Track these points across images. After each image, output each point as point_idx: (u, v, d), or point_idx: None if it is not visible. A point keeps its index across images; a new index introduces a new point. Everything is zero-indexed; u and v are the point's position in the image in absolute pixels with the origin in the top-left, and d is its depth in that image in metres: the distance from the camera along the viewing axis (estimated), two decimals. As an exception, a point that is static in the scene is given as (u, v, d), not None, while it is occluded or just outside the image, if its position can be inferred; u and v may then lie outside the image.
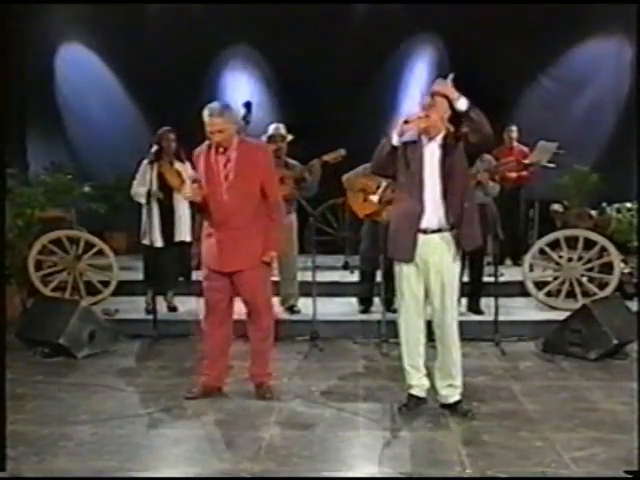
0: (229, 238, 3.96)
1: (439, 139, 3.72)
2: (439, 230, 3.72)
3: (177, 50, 8.23)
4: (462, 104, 3.53)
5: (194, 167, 4.16)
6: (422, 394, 3.95)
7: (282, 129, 5.77)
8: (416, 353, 3.89)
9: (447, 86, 3.59)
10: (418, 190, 3.70)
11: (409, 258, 3.75)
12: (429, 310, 3.89)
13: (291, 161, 5.73)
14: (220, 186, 3.93)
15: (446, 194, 3.67)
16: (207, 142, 4.00)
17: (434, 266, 3.75)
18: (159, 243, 5.71)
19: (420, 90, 8.61)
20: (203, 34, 8.39)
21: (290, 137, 5.77)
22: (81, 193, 7.59)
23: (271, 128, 5.76)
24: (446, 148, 3.69)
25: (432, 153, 3.71)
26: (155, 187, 5.58)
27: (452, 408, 3.89)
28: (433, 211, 3.70)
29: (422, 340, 3.91)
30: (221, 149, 3.94)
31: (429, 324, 3.92)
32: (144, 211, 5.60)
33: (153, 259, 5.76)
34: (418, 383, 3.93)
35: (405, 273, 3.81)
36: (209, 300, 4.11)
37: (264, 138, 5.70)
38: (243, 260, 3.98)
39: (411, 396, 3.95)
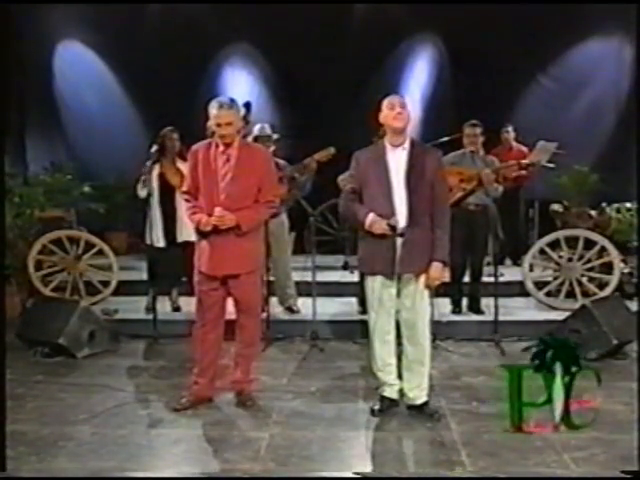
0: (224, 240, 3.80)
1: (407, 145, 3.74)
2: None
3: (177, 49, 8.21)
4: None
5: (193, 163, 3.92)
6: (394, 395, 3.91)
7: (267, 129, 5.67)
8: (387, 354, 3.86)
9: (439, 277, 3.74)
10: (387, 198, 3.69)
11: (389, 272, 3.72)
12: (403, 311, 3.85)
13: (280, 161, 5.61)
14: (217, 185, 3.80)
15: (411, 200, 3.67)
16: (208, 140, 3.92)
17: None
18: (161, 243, 5.70)
19: (420, 90, 8.67)
20: (202, 33, 8.37)
21: (276, 136, 5.70)
22: (81, 193, 7.59)
23: (256, 129, 5.63)
24: (413, 156, 3.71)
25: (397, 161, 3.72)
26: (156, 187, 5.59)
27: (420, 409, 3.85)
28: (402, 215, 3.69)
29: (393, 341, 3.87)
30: (222, 147, 3.82)
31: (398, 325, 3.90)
32: (147, 211, 5.56)
33: (155, 259, 5.75)
34: (391, 384, 3.89)
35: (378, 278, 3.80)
36: (203, 304, 3.95)
37: (250, 139, 5.62)
38: (239, 264, 3.85)
39: (383, 398, 3.92)
